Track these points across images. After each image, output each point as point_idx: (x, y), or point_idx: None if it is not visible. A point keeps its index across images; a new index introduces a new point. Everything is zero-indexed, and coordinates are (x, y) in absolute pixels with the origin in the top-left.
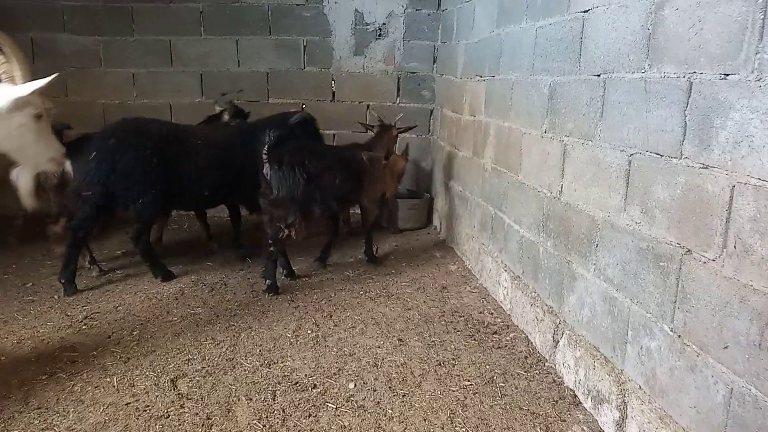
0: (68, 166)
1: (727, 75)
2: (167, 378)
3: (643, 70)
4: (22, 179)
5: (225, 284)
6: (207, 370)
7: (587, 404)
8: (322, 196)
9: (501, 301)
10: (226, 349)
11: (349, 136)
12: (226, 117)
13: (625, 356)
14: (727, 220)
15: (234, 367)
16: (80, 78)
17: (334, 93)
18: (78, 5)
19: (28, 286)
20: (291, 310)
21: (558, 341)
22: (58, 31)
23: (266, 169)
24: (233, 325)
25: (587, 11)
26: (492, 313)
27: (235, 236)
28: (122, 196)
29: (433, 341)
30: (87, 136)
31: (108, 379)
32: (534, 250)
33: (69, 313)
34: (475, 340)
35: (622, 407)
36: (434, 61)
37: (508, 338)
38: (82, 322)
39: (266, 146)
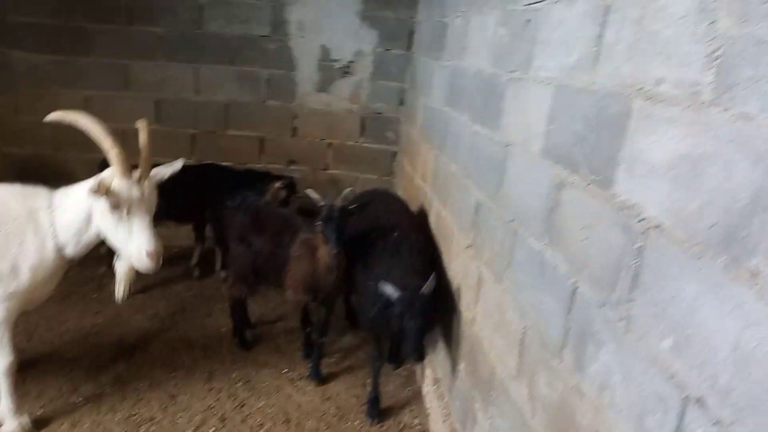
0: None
1: (603, 305)
2: None
3: (543, 243)
4: (118, 268)
5: (145, 349)
6: None
7: None
8: (242, 260)
9: (425, 395)
10: None
11: (310, 172)
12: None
13: None
14: None
15: None
16: (32, 98)
17: (295, 129)
18: (33, 22)
19: None
20: (204, 394)
21: None
22: (11, 48)
23: None
24: (135, 413)
25: (508, 146)
26: (412, 410)
27: None
28: None
29: None
30: None
31: None
32: (447, 367)
33: None
34: None
35: None
36: (400, 103)
37: None
38: None
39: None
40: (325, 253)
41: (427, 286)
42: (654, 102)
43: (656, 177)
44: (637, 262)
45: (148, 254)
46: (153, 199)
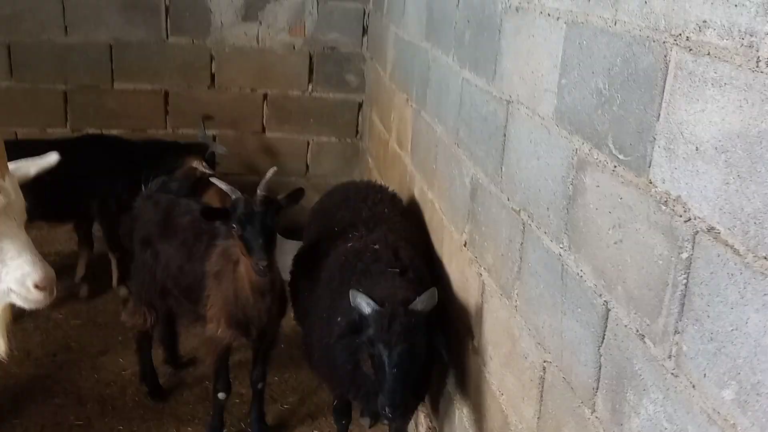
0: None
1: (644, 336)
2: None
3: (561, 246)
4: None
5: (16, 409)
6: None
7: None
8: (146, 276)
9: None
10: None
11: (238, 137)
12: None
13: None
14: None
15: None
16: None
17: (213, 76)
18: None
19: None
20: None
21: None
22: None
23: None
24: None
25: (510, 103)
26: None
27: None
28: None
29: None
30: None
31: None
32: (446, 413)
33: None
34: None
35: None
36: (364, 32)
37: None
38: None
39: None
40: (249, 267)
41: (422, 302)
42: (697, 55)
43: (705, 161)
44: (685, 278)
45: (37, 286)
46: (21, 203)
